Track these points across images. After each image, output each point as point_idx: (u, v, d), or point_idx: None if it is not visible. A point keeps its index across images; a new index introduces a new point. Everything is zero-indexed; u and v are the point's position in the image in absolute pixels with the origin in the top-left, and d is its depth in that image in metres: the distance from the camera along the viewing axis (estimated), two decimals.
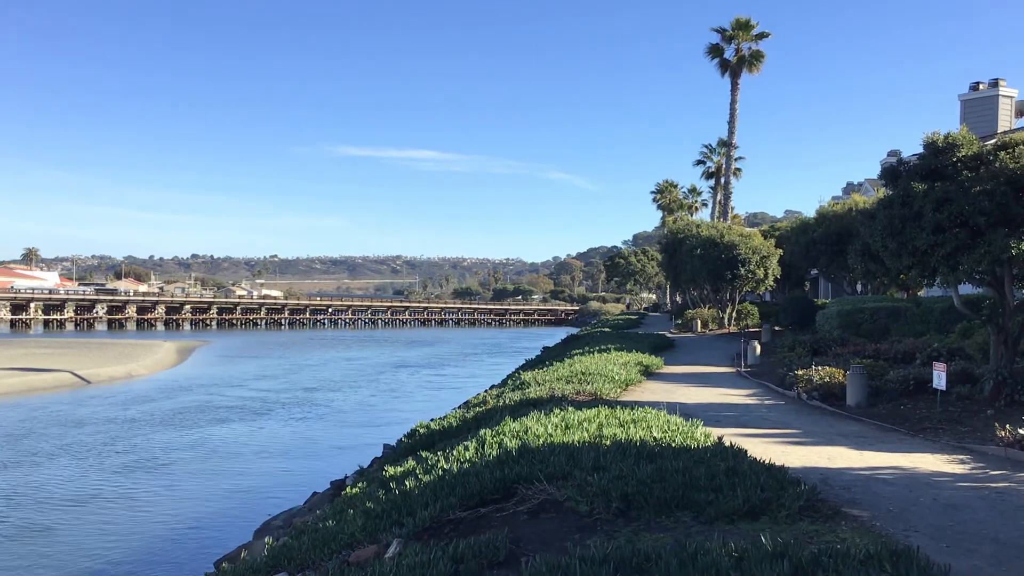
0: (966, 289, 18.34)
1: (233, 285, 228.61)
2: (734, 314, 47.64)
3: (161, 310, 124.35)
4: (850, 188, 73.66)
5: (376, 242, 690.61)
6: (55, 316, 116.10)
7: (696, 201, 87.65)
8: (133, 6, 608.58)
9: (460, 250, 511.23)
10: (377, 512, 8.80)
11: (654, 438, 10.36)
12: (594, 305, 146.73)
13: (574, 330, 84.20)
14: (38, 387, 42.63)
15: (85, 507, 19.98)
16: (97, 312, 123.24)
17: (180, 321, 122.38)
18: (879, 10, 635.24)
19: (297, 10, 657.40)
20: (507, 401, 17.24)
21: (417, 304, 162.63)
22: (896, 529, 7.64)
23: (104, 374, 48.75)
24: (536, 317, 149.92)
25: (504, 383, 27.48)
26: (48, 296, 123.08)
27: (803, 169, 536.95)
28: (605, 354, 26.66)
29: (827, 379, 18.63)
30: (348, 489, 12.29)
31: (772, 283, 46.06)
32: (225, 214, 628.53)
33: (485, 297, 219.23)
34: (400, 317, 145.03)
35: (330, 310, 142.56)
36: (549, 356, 35.42)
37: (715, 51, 56.25)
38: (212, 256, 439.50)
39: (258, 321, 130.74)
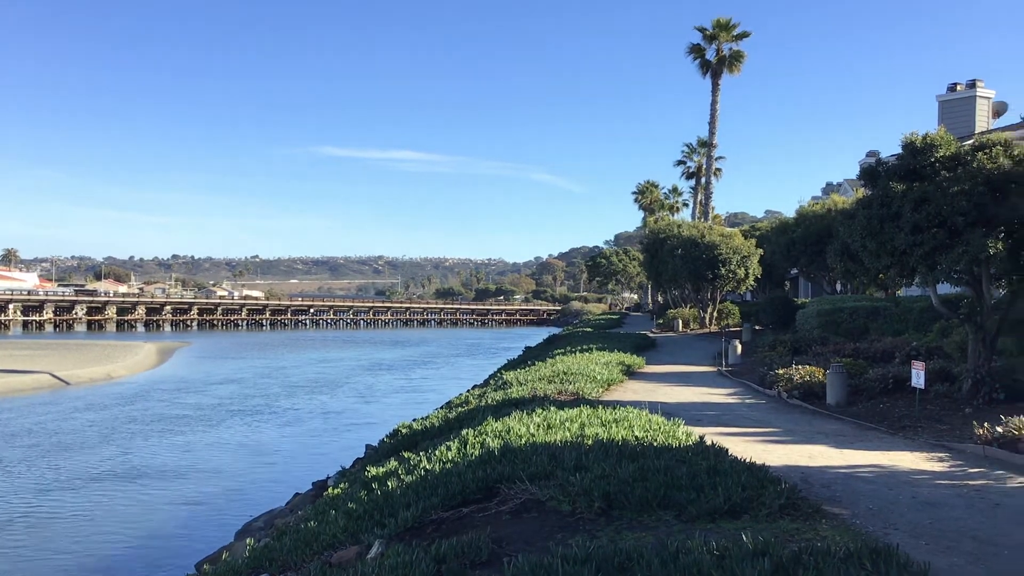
0: (944, 288, 18.49)
1: (214, 286, 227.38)
2: (715, 314, 47.86)
3: (141, 311, 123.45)
4: (829, 188, 74.32)
5: (358, 242, 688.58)
6: (34, 317, 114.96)
7: (677, 201, 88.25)
8: (114, 6, 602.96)
9: (442, 250, 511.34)
10: (359, 513, 8.77)
11: (636, 437, 10.37)
12: (576, 305, 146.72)
13: (556, 330, 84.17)
14: (17, 388, 42.17)
15: (61, 514, 19.79)
16: (76, 313, 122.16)
17: (160, 322, 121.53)
18: (857, 11, 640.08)
19: (279, 10, 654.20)
20: (489, 401, 17.22)
21: (399, 304, 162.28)
22: (876, 527, 7.69)
23: (84, 375, 48.32)
24: (518, 317, 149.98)
25: (486, 383, 27.46)
26: (27, 297, 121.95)
27: (783, 169, 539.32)
28: (587, 354, 26.69)
29: (807, 378, 18.73)
30: (330, 490, 12.25)
31: (753, 283, 46.30)
32: (206, 214, 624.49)
33: (467, 297, 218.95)
34: (382, 318, 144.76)
35: (311, 311, 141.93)
36: (531, 356, 35.39)
37: (696, 51, 56.53)
38: (193, 257, 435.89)
39: (239, 322, 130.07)
